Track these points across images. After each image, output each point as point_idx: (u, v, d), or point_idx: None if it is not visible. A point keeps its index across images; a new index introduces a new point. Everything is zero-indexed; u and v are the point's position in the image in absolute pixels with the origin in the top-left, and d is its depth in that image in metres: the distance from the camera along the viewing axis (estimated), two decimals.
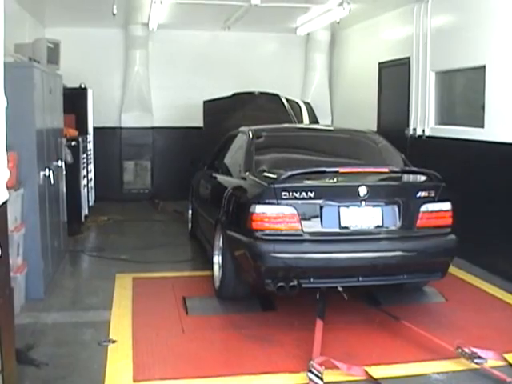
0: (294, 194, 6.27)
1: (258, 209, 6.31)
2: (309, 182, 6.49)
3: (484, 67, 8.73)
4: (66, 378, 5.25)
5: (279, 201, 6.28)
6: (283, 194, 6.27)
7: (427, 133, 10.43)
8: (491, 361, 5.50)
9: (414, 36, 10.75)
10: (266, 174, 6.94)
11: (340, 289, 6.62)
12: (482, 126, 8.81)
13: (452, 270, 7.36)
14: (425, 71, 10.48)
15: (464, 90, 10.11)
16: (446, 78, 10.28)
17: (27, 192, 7.10)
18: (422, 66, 10.54)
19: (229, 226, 7.01)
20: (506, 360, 5.52)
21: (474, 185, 8.87)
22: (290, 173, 6.43)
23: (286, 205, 6.28)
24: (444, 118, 10.30)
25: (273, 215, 6.28)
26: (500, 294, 7.69)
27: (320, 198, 6.37)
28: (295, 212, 6.28)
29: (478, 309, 7.23)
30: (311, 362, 5.28)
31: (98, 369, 5.40)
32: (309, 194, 6.30)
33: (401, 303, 7.24)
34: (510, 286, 7.88)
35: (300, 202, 6.29)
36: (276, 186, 6.36)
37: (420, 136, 10.58)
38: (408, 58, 11.05)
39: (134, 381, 5.20)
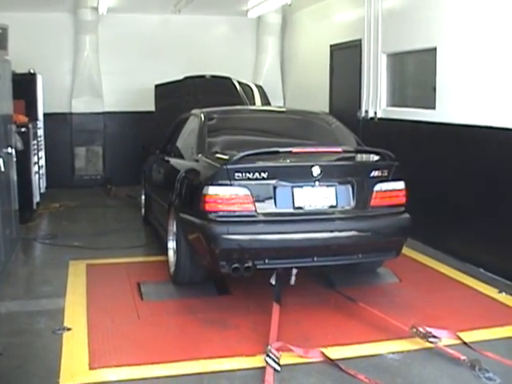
0: (247, 174, 6.23)
1: (211, 190, 6.26)
2: (262, 163, 6.43)
3: (435, 49, 8.77)
4: (22, 368, 5.18)
5: (232, 182, 6.24)
6: (236, 174, 6.23)
7: (379, 115, 10.47)
8: (445, 339, 5.56)
9: (366, 18, 10.74)
10: (218, 155, 6.89)
11: (294, 271, 6.61)
12: (434, 108, 8.86)
13: (405, 250, 7.38)
14: (376, 53, 10.50)
15: (415, 72, 10.16)
16: (398, 60, 10.32)
17: None
18: (374, 48, 10.56)
19: (182, 209, 6.95)
20: (459, 338, 5.58)
21: (426, 165, 8.93)
22: (242, 154, 6.37)
23: (239, 186, 6.24)
24: (396, 99, 10.35)
25: (226, 196, 6.24)
26: (453, 273, 7.79)
27: (273, 179, 6.34)
28: (248, 193, 6.25)
29: (431, 288, 7.30)
30: (269, 348, 5.28)
31: (53, 357, 5.33)
32: (262, 174, 6.26)
33: (355, 284, 7.28)
34: (463, 265, 7.98)
35: (253, 182, 6.26)
36: (229, 166, 6.31)
37: (372, 118, 10.61)
38: (359, 40, 11.05)
39: (90, 368, 5.13)
